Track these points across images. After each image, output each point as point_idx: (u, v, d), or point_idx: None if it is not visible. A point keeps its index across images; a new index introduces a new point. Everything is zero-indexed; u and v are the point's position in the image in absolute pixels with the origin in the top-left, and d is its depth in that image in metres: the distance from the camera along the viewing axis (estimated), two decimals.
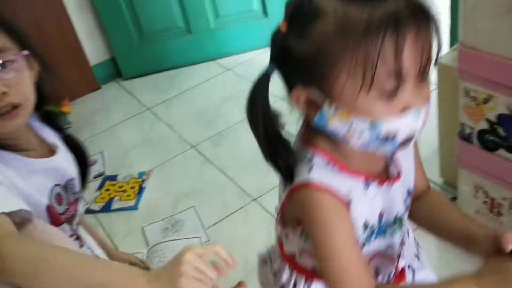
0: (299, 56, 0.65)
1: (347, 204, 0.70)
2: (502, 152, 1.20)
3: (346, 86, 0.63)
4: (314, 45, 0.63)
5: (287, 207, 0.75)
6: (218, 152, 2.13)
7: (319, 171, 0.70)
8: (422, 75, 0.63)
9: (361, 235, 0.74)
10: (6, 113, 0.81)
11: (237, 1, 2.70)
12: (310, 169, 0.70)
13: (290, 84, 0.69)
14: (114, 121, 2.49)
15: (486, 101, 1.16)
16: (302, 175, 0.70)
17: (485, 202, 1.33)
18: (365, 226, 0.74)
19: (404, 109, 0.63)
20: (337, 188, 0.69)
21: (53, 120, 0.98)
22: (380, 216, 0.76)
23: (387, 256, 0.82)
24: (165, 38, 2.74)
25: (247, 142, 2.05)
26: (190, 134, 2.26)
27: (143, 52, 2.76)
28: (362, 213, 0.72)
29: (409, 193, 0.81)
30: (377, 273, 0.83)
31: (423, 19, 0.61)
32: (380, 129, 0.64)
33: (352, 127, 0.66)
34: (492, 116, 1.17)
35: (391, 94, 0.62)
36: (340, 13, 0.62)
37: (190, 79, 2.70)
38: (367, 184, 0.73)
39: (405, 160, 0.79)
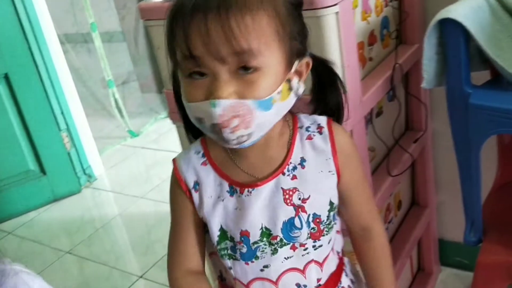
0: None
1: (188, 191, 0.81)
2: None
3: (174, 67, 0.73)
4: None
5: None
6: None
7: (185, 154, 0.83)
8: (235, 66, 0.65)
9: (215, 238, 0.80)
10: None
11: (13, 163, 2.72)
12: (186, 150, 0.84)
13: None
14: None
15: None
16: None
17: None
18: (223, 232, 0.80)
19: (208, 96, 0.66)
20: (185, 174, 0.81)
21: None
22: (244, 233, 0.78)
23: (265, 280, 0.82)
24: None
25: None
26: None
27: None
28: (210, 212, 0.79)
29: (314, 217, 0.80)
30: None
31: (215, 7, 0.63)
32: (190, 111, 0.70)
33: (185, 107, 0.72)
34: None
35: (192, 78, 0.67)
36: None
37: None
38: (230, 190, 0.79)
39: (317, 181, 0.79)
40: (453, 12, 0.97)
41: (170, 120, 1.31)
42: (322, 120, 0.82)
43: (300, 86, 0.75)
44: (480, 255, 1.10)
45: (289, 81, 0.72)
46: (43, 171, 2.79)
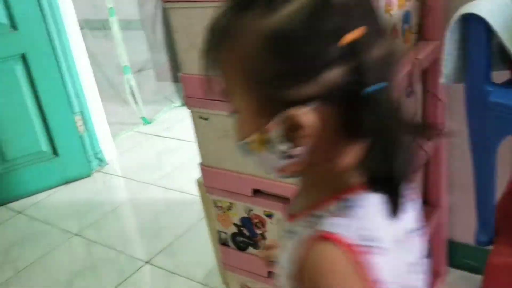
0: None
1: None
2: (251, 249, 1.41)
3: None
4: None
5: None
6: None
7: None
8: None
9: None
10: None
11: (26, 143, 2.73)
12: None
13: None
14: None
15: (229, 208, 1.38)
16: None
17: None
18: None
19: None
20: None
21: None
22: None
23: None
24: None
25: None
26: None
27: None
28: None
29: None
30: None
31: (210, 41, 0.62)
32: None
33: None
34: (237, 220, 1.39)
35: None
36: None
37: None
38: None
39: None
40: (477, 7, 0.95)
41: (184, 107, 1.31)
42: (324, 225, 0.57)
43: (284, 143, 0.58)
44: (491, 256, 1.09)
45: (264, 132, 0.58)
46: (55, 152, 2.81)
